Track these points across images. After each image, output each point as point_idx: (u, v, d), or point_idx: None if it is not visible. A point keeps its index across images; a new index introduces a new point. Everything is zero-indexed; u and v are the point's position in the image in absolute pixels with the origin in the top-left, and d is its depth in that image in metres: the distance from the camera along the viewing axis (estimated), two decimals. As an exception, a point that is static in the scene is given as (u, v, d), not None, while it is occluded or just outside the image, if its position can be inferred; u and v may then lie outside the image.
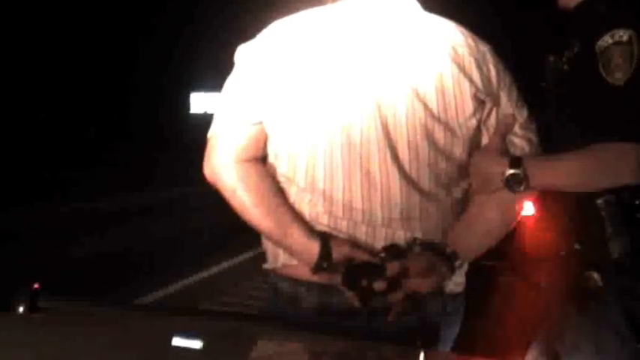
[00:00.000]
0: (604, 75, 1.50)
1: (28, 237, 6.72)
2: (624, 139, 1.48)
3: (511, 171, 1.50)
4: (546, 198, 1.71)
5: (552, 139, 1.64)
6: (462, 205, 1.59)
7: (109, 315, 1.40)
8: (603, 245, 1.57)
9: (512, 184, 1.51)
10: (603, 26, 1.52)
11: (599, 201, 1.55)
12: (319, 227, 1.52)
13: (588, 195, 1.56)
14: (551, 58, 1.74)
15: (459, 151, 1.54)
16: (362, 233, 1.51)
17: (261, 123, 1.53)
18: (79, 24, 20.45)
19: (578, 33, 1.64)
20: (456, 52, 1.53)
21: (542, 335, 1.84)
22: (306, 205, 1.53)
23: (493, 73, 1.56)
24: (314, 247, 1.48)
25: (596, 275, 1.59)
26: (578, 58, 1.61)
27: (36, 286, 1.29)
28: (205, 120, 1.73)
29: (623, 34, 1.49)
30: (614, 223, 1.55)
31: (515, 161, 1.51)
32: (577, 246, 1.65)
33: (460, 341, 1.65)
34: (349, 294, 1.47)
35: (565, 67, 1.66)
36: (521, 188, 1.50)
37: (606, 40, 1.51)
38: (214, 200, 1.68)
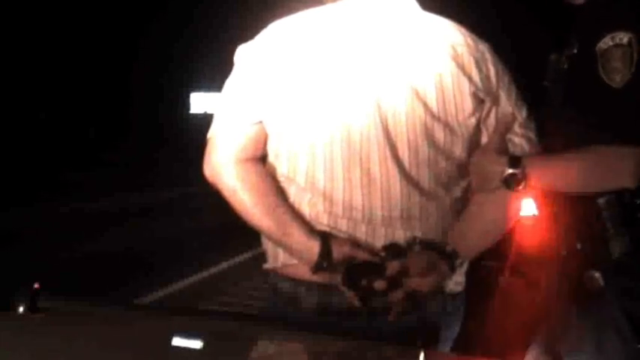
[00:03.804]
0: (603, 77, 1.51)
1: (28, 237, 6.72)
2: (622, 143, 1.48)
3: (510, 170, 1.50)
4: (548, 198, 1.71)
5: (550, 138, 1.64)
6: (462, 204, 1.59)
7: (109, 315, 1.40)
8: (605, 245, 1.57)
9: (511, 183, 1.51)
10: (604, 28, 1.52)
11: (601, 201, 1.55)
12: (319, 227, 1.52)
13: (590, 195, 1.56)
14: (553, 57, 1.74)
15: (458, 150, 1.54)
16: (362, 232, 1.51)
17: (261, 123, 1.53)
18: (79, 24, 20.45)
19: (579, 32, 1.64)
20: (455, 51, 1.53)
21: (543, 335, 1.84)
22: (306, 205, 1.53)
23: (492, 72, 1.56)
24: (314, 247, 1.48)
25: (597, 275, 1.59)
26: (577, 57, 1.62)
27: (36, 286, 1.29)
28: (205, 120, 1.73)
29: (623, 37, 1.49)
30: (615, 222, 1.55)
31: (514, 161, 1.52)
32: (578, 246, 1.64)
33: (460, 341, 1.65)
34: (349, 293, 1.47)
35: (565, 65, 1.67)
36: (520, 188, 1.51)
37: (606, 42, 1.51)
38: (214, 200, 1.68)
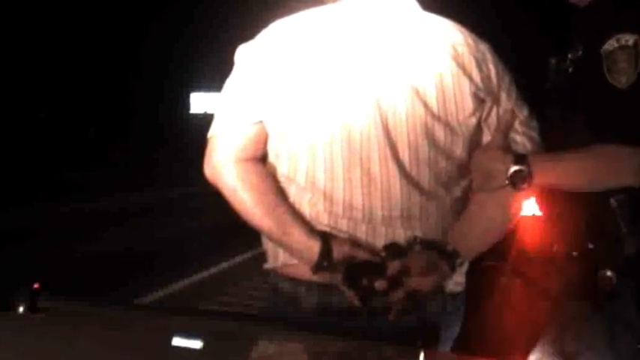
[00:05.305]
0: (608, 78, 1.51)
1: (29, 237, 6.72)
2: (627, 142, 1.48)
3: (515, 168, 1.50)
4: (556, 198, 1.71)
5: (554, 138, 1.64)
6: (462, 203, 1.59)
7: (109, 315, 1.40)
8: (617, 244, 1.57)
9: (517, 181, 1.50)
10: (609, 30, 1.53)
11: (613, 200, 1.56)
12: (319, 226, 1.51)
13: (602, 194, 1.56)
14: (553, 60, 1.74)
15: (458, 149, 1.54)
16: (362, 232, 1.51)
17: (261, 122, 1.53)
18: (79, 24, 20.45)
19: (583, 35, 1.64)
20: (455, 50, 1.53)
21: (553, 335, 1.84)
22: (306, 205, 1.53)
23: (493, 71, 1.56)
24: (314, 246, 1.48)
25: (610, 274, 1.59)
26: (582, 60, 1.62)
27: (36, 286, 1.29)
28: (205, 120, 1.73)
29: (629, 39, 1.50)
30: (628, 221, 1.56)
31: (520, 158, 1.51)
32: (590, 246, 1.64)
33: (460, 341, 1.65)
34: (349, 293, 1.47)
35: (569, 69, 1.67)
36: (525, 186, 1.51)
37: (612, 44, 1.51)
38: (214, 200, 1.68)
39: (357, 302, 1.47)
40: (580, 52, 1.63)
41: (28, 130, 17.58)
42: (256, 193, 1.52)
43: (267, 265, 1.62)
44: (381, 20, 1.55)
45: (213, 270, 6.04)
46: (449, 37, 1.55)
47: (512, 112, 1.57)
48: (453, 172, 1.55)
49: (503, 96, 1.57)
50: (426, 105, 1.51)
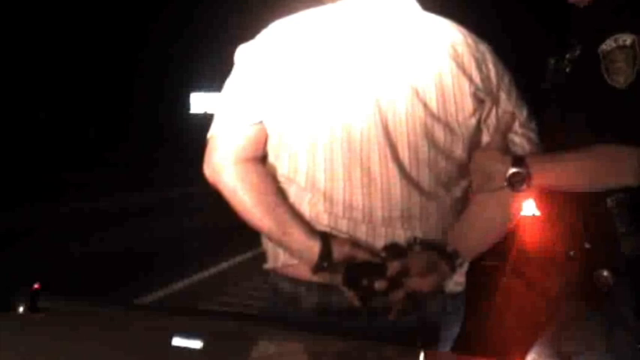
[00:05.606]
0: (606, 78, 1.52)
1: (28, 237, 6.72)
2: (625, 142, 1.49)
3: (514, 169, 1.50)
4: (554, 198, 1.71)
5: (553, 139, 1.64)
6: (462, 204, 1.59)
7: (109, 315, 1.40)
8: (615, 244, 1.57)
9: (515, 182, 1.51)
10: (607, 30, 1.53)
11: (610, 200, 1.56)
12: (319, 227, 1.51)
13: (599, 194, 1.57)
14: (552, 61, 1.75)
15: (458, 150, 1.54)
16: (362, 232, 1.51)
17: (261, 123, 1.53)
18: (79, 24, 20.45)
19: (581, 35, 1.65)
20: (455, 51, 1.53)
21: (548, 336, 1.84)
22: (306, 205, 1.53)
23: (493, 72, 1.56)
24: (314, 247, 1.48)
25: (607, 274, 1.60)
26: (580, 60, 1.62)
27: (36, 286, 1.29)
28: (205, 120, 1.73)
29: (626, 39, 1.51)
30: (625, 221, 1.56)
31: (518, 160, 1.52)
32: (587, 245, 1.65)
33: (460, 341, 1.65)
34: (349, 293, 1.47)
35: (567, 69, 1.67)
36: (523, 187, 1.51)
37: (609, 44, 1.52)
38: (214, 200, 1.68)
39: (357, 302, 1.47)
40: (578, 52, 1.64)
41: (28, 130, 17.58)
42: (256, 194, 1.52)
43: (267, 265, 1.62)
44: (381, 20, 1.55)
45: (213, 270, 6.04)
46: (449, 38, 1.55)
47: (512, 112, 1.57)
48: (453, 173, 1.56)
49: (503, 96, 1.57)
50: (425, 105, 1.51)
